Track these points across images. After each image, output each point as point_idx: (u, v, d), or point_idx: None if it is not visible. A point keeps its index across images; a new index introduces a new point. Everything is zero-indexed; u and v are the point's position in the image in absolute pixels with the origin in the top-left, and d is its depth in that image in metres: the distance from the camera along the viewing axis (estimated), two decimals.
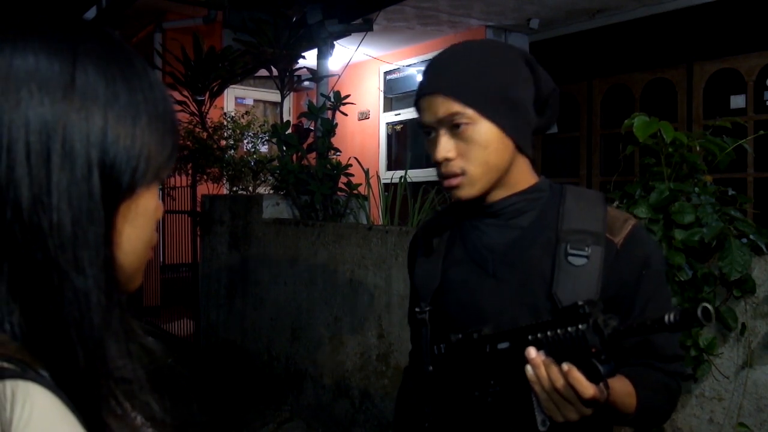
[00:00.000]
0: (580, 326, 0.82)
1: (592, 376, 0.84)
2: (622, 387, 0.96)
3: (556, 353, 0.85)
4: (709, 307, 0.73)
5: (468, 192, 1.04)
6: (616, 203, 1.94)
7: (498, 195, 1.08)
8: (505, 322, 0.99)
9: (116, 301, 0.52)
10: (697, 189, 1.85)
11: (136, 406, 0.59)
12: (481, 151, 1.02)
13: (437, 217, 1.23)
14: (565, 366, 0.84)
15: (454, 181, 1.04)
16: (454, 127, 1.02)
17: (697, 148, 1.97)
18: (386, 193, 3.60)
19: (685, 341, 1.77)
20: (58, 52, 0.50)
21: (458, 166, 1.03)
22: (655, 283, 1.05)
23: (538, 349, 0.87)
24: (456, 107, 1.01)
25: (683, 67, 5.10)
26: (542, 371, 0.86)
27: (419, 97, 1.06)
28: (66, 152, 0.49)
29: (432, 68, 1.06)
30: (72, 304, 0.49)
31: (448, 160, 1.02)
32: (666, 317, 0.76)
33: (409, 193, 3.59)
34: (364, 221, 3.79)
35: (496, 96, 1.02)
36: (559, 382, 0.85)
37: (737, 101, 4.87)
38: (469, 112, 1.01)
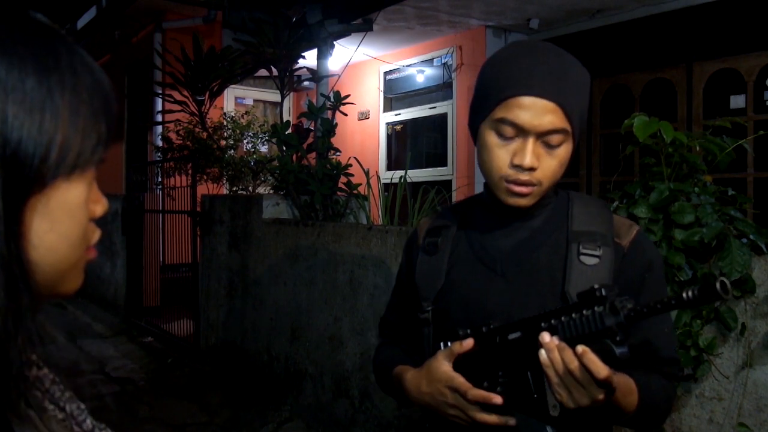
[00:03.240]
0: (596, 308, 0.83)
1: (607, 359, 0.84)
2: (624, 383, 0.97)
3: (569, 338, 0.86)
4: (727, 281, 0.73)
5: (530, 202, 1.05)
6: (616, 203, 1.94)
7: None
8: None
9: (21, 301, 0.47)
10: (697, 189, 1.85)
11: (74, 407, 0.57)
12: (558, 169, 1.04)
13: (440, 216, 1.23)
14: (580, 348, 0.85)
15: (526, 190, 1.03)
16: (547, 139, 1.01)
17: (697, 148, 1.97)
18: (386, 193, 3.60)
19: (685, 341, 1.77)
20: None
21: (537, 177, 1.02)
22: (656, 285, 1.08)
23: (552, 335, 0.87)
24: (564, 124, 1.00)
25: (683, 67, 5.11)
26: (556, 354, 0.86)
27: (521, 94, 0.99)
28: None
29: (538, 68, 0.99)
30: None
31: (533, 169, 1.01)
32: (684, 293, 0.76)
33: (409, 193, 3.59)
34: (364, 221, 3.79)
35: (583, 119, 1.05)
36: (573, 364, 0.85)
37: (737, 101, 4.87)
38: (569, 130, 1.02)
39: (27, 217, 0.49)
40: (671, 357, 1.08)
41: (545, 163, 1.02)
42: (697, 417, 1.86)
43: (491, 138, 1.04)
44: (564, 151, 1.03)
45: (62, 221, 0.52)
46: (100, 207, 0.57)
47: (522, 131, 1.00)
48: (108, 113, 0.55)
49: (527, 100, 0.99)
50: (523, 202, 1.04)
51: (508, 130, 1.01)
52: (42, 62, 0.50)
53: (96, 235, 0.57)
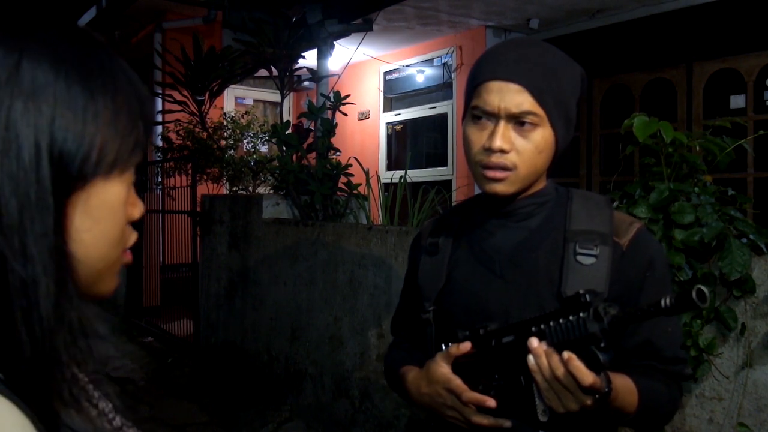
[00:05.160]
0: (581, 314, 0.84)
1: (593, 365, 0.84)
2: (623, 384, 0.96)
3: (558, 343, 0.87)
4: (704, 289, 0.73)
5: (507, 189, 1.04)
6: (616, 203, 1.94)
7: (516, 197, 1.09)
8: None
9: (69, 292, 0.50)
10: (697, 189, 1.85)
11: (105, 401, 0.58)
12: (535, 154, 1.03)
13: (442, 217, 1.24)
14: (566, 354, 0.85)
15: (500, 174, 1.03)
16: (519, 122, 1.01)
17: (697, 148, 1.97)
18: (386, 193, 3.60)
19: (684, 341, 1.77)
20: (3, 42, 0.50)
21: (511, 160, 1.02)
22: (658, 285, 1.06)
23: (541, 339, 0.88)
24: (531, 104, 1.00)
25: (683, 67, 5.10)
26: (543, 360, 0.87)
27: (488, 79, 1.02)
28: (10, 137, 0.48)
29: (509, 56, 1.03)
30: (18, 292, 0.47)
31: (504, 151, 1.02)
32: (662, 301, 0.77)
33: (409, 193, 3.58)
34: (364, 221, 3.79)
35: (562, 107, 1.04)
36: (560, 370, 0.85)
37: (737, 101, 4.87)
38: (541, 113, 1.01)
39: (69, 213, 0.52)
40: (675, 356, 1.07)
41: (519, 147, 1.02)
42: (697, 417, 1.86)
43: (469, 127, 1.06)
44: (539, 135, 1.02)
45: (102, 220, 0.55)
46: (137, 210, 0.60)
47: (492, 115, 1.02)
48: (145, 118, 0.58)
49: (494, 85, 1.02)
50: (499, 188, 1.04)
51: (480, 117, 1.04)
52: (86, 69, 0.53)
53: (133, 237, 0.60)
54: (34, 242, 0.48)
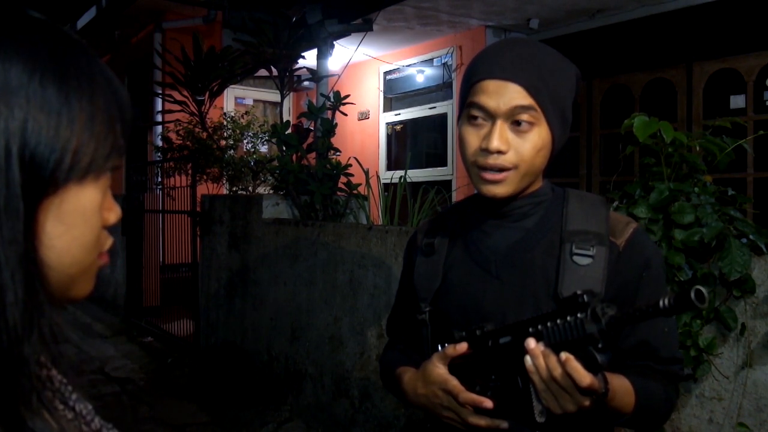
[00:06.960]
0: (579, 315, 0.83)
1: (591, 366, 0.84)
2: (620, 385, 0.96)
3: (555, 344, 0.86)
4: (703, 289, 0.73)
5: (506, 190, 1.03)
6: (615, 203, 1.94)
7: (513, 197, 1.08)
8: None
9: (38, 299, 0.49)
10: (696, 189, 1.85)
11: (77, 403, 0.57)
12: (533, 153, 1.02)
13: (438, 217, 1.23)
14: (563, 355, 0.85)
15: (498, 176, 1.02)
16: (516, 122, 1.01)
17: (697, 148, 1.97)
18: (386, 193, 3.60)
19: (684, 341, 1.77)
20: None
21: (509, 161, 1.01)
22: (654, 285, 1.06)
23: (538, 340, 0.87)
24: (529, 103, 1.00)
25: (683, 67, 5.10)
26: (540, 361, 0.86)
27: (484, 78, 1.02)
28: None
29: (506, 55, 1.02)
30: None
31: (501, 152, 1.01)
32: (661, 302, 0.76)
33: (409, 193, 3.59)
34: (364, 221, 3.79)
35: (559, 106, 1.03)
36: (557, 371, 0.85)
37: (737, 101, 4.86)
38: (538, 113, 1.01)
39: (41, 218, 0.50)
40: (671, 356, 1.07)
41: (516, 147, 1.01)
42: (697, 417, 1.86)
43: (465, 127, 1.06)
44: (537, 135, 1.01)
45: (76, 225, 0.53)
46: (114, 215, 0.58)
47: (489, 114, 1.02)
48: (123, 122, 0.56)
49: (491, 84, 1.01)
50: (498, 190, 1.03)
51: (477, 115, 1.03)
52: (62, 70, 0.51)
53: (108, 242, 0.58)
54: (3, 249, 0.47)
